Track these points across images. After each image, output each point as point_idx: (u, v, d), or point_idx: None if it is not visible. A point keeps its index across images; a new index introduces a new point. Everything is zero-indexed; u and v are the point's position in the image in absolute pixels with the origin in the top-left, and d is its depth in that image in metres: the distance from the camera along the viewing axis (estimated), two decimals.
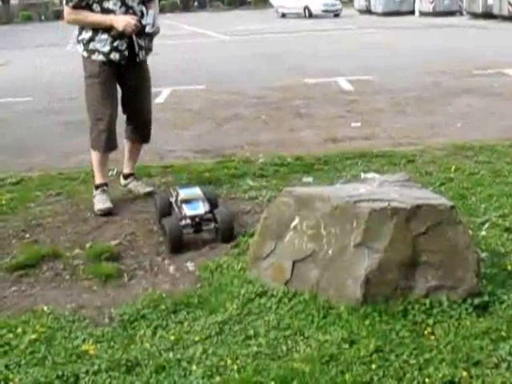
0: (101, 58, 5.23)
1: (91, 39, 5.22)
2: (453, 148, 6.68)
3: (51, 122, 9.07)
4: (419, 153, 6.57)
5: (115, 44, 5.19)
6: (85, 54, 5.29)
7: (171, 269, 4.19)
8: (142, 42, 5.29)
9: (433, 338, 3.13)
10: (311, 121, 8.81)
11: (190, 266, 4.20)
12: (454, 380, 2.80)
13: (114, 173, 6.09)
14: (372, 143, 7.30)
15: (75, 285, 4.04)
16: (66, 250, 4.53)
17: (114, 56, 5.23)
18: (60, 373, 2.98)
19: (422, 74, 12.39)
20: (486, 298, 3.41)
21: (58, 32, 28.52)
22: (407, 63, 14.28)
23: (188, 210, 4.59)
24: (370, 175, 4.77)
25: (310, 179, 5.82)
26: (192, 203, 4.65)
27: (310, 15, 37.81)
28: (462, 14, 32.98)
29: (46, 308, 3.67)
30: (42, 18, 52.54)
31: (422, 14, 34.71)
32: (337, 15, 38.07)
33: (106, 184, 5.46)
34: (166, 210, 4.80)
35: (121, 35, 5.16)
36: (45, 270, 4.25)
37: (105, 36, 5.17)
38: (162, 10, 55.61)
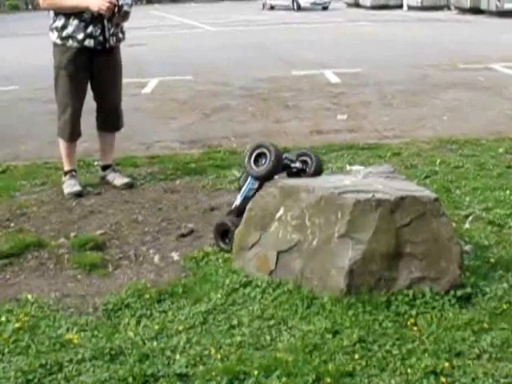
0: (75, 44, 5.23)
1: (64, 26, 5.23)
2: (438, 141, 6.72)
3: (38, 110, 9.02)
4: (405, 146, 6.60)
5: (89, 30, 5.20)
6: (58, 41, 5.29)
7: (156, 258, 4.19)
8: (112, 29, 5.28)
9: (415, 328, 3.15)
10: (298, 112, 8.81)
11: (175, 255, 4.20)
12: (436, 370, 2.82)
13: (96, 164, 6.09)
14: (358, 135, 7.31)
15: (60, 274, 4.03)
16: (51, 239, 4.52)
17: (89, 42, 5.24)
18: (43, 361, 2.98)
19: (409, 68, 12.41)
20: (468, 289, 3.44)
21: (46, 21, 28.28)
22: (395, 56, 14.30)
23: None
24: (356, 167, 4.79)
25: None
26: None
27: (299, 8, 37.74)
28: (449, 8, 33.04)
29: (30, 297, 3.66)
30: (29, 7, 52.28)
31: (410, 8, 34.75)
32: (325, 8, 38.03)
33: (74, 170, 5.60)
34: None
35: (93, 20, 5.16)
36: (29, 258, 4.24)
37: (76, 21, 5.18)
38: (151, 1, 55.51)
